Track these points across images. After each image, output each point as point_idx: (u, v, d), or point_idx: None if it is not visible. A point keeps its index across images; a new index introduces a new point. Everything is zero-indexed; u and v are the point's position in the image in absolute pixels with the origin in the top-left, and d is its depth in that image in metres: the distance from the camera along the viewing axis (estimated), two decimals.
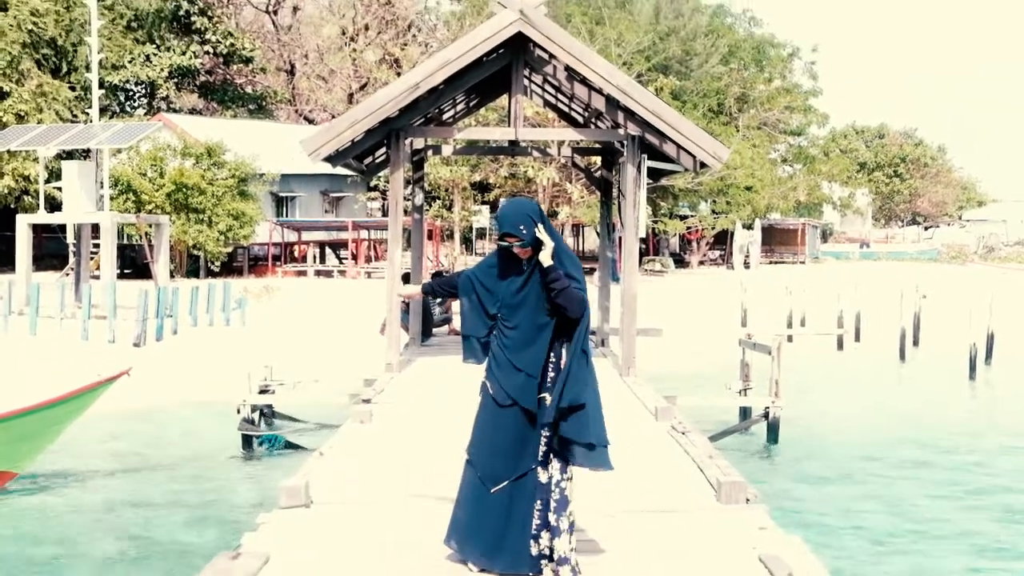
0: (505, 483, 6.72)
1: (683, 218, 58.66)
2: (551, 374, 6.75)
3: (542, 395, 6.71)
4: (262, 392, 18.32)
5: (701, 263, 62.39)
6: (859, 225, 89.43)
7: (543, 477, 6.75)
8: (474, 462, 6.85)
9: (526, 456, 6.74)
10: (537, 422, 6.72)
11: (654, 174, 19.22)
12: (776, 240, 68.40)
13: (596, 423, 6.72)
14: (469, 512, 6.83)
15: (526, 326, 6.73)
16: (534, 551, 6.75)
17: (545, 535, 6.74)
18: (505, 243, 6.68)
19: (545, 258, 6.57)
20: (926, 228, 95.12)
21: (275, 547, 7.24)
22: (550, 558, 6.74)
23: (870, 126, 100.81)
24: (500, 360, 6.78)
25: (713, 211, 58.52)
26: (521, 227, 6.57)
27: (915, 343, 34.20)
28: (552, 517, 6.71)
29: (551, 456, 6.75)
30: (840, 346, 34.58)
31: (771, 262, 65.31)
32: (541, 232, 6.56)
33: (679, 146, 16.12)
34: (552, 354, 6.78)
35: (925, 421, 22.92)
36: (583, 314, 6.66)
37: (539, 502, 6.74)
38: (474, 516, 6.80)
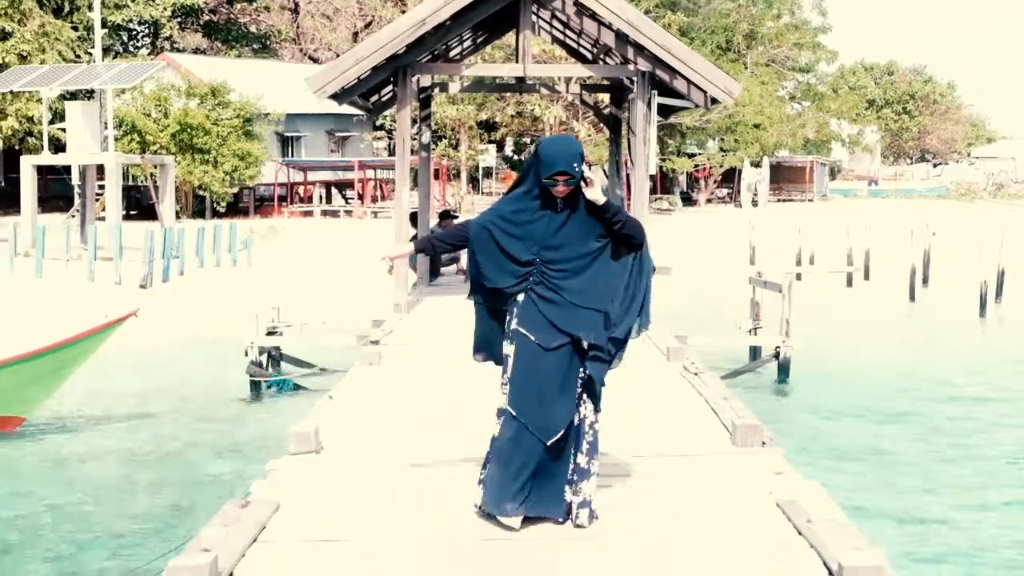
0: (562, 431, 6.44)
1: (691, 156, 58.32)
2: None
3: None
4: (270, 334, 18.13)
5: (709, 201, 62.15)
6: (867, 162, 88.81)
7: (575, 419, 6.56)
8: (521, 416, 6.44)
9: (572, 399, 6.50)
10: (580, 363, 6.50)
11: (664, 110, 19.00)
12: (784, 178, 67.99)
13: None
14: (513, 467, 6.45)
15: (572, 264, 6.44)
16: (567, 496, 6.56)
17: (576, 479, 6.57)
18: (552, 182, 6.34)
19: (598, 195, 6.36)
20: (935, 165, 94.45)
21: (285, 494, 7.09)
22: (572, 486, 6.60)
23: (879, 63, 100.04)
24: (552, 300, 6.43)
25: (721, 149, 58.23)
26: (575, 165, 6.28)
27: (924, 281, 33.93)
28: (583, 460, 6.55)
29: (584, 396, 6.56)
30: (849, 284, 34.34)
31: (779, 200, 65.00)
32: (588, 170, 6.34)
33: (690, 81, 15.90)
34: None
35: (936, 358, 22.78)
36: (645, 238, 6.61)
37: (573, 445, 6.57)
38: (520, 470, 6.44)
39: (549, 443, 6.41)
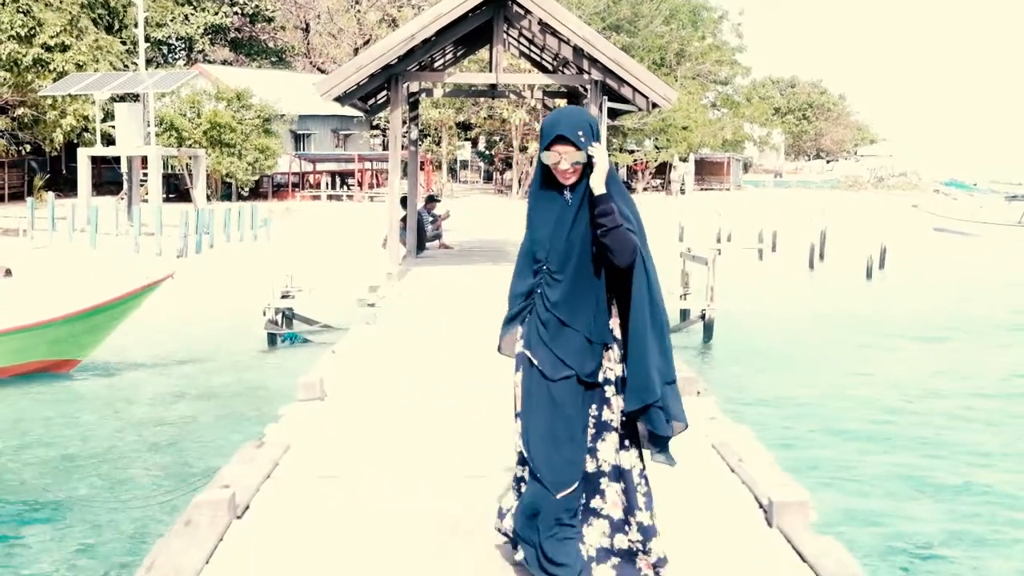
0: (575, 487, 4.24)
1: (631, 152, 58.05)
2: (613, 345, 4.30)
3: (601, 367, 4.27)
4: (283, 297, 17.88)
5: (645, 190, 61.74)
6: (774, 159, 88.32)
7: (625, 462, 4.33)
8: (534, 465, 4.25)
9: (583, 443, 4.28)
10: (591, 399, 4.27)
11: (613, 113, 18.66)
12: (706, 171, 67.53)
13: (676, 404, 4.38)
14: (527, 515, 4.32)
15: (575, 276, 4.16)
16: (641, 567, 4.35)
17: (644, 540, 4.34)
18: (551, 153, 4.07)
19: (598, 183, 4.05)
20: (828, 162, 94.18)
21: (295, 436, 6.76)
22: (644, 551, 4.34)
23: (784, 77, 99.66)
24: (547, 320, 4.19)
25: (655, 147, 57.85)
26: (580, 133, 4.05)
27: (821, 256, 33.75)
28: (645, 516, 4.32)
29: (626, 441, 4.34)
30: (760, 258, 34.13)
31: (702, 189, 64.56)
32: (597, 149, 4.07)
33: (635, 89, 15.57)
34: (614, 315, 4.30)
35: (834, 316, 22.61)
36: (633, 264, 4.11)
37: (625, 500, 4.34)
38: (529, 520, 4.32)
39: (559, 496, 4.22)
